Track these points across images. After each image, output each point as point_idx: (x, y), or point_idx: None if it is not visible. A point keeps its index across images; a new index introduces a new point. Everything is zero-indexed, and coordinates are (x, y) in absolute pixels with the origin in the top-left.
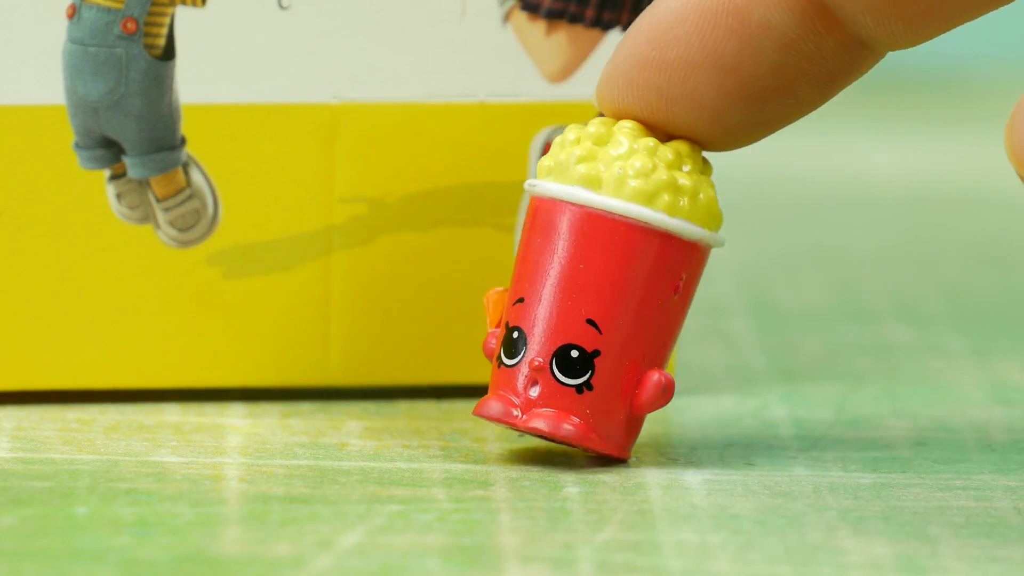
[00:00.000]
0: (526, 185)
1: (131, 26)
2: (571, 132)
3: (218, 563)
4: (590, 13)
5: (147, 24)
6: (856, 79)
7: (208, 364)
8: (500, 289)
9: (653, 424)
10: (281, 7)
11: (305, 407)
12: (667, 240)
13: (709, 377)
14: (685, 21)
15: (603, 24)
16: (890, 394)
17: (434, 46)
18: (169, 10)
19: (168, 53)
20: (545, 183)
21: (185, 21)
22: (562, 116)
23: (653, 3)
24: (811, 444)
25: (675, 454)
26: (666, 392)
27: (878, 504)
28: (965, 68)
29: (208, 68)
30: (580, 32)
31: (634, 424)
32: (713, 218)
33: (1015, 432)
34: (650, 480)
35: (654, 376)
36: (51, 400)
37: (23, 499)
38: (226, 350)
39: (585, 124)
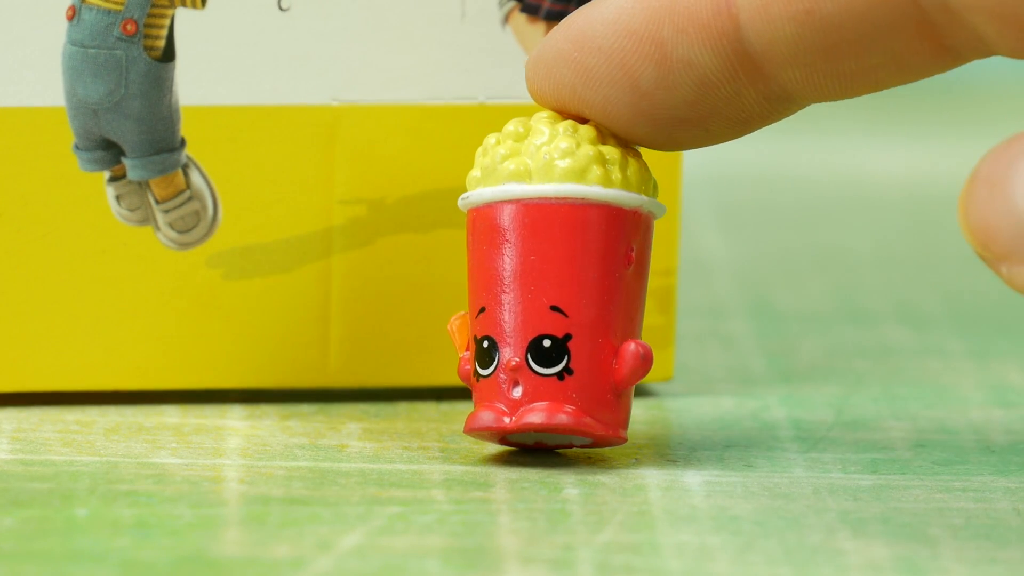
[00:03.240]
0: (459, 201)
1: (131, 28)
2: (491, 137)
3: (218, 565)
4: None
5: (147, 26)
6: (772, 122)
7: (208, 366)
8: (462, 314)
9: (653, 426)
10: (281, 9)
11: (305, 409)
12: (608, 212)
13: (709, 379)
14: (611, 35)
15: None
16: (889, 396)
17: (434, 48)
18: (169, 12)
19: (168, 55)
20: (477, 191)
21: (185, 23)
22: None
23: (590, 3)
24: (811, 446)
25: (675, 455)
26: (645, 360)
27: (877, 506)
28: (964, 69)
29: (208, 70)
30: None
31: (623, 401)
32: (646, 183)
33: (1014, 434)
34: (650, 482)
35: (630, 347)
36: (51, 402)
37: (23, 501)
38: (226, 352)
39: (503, 127)
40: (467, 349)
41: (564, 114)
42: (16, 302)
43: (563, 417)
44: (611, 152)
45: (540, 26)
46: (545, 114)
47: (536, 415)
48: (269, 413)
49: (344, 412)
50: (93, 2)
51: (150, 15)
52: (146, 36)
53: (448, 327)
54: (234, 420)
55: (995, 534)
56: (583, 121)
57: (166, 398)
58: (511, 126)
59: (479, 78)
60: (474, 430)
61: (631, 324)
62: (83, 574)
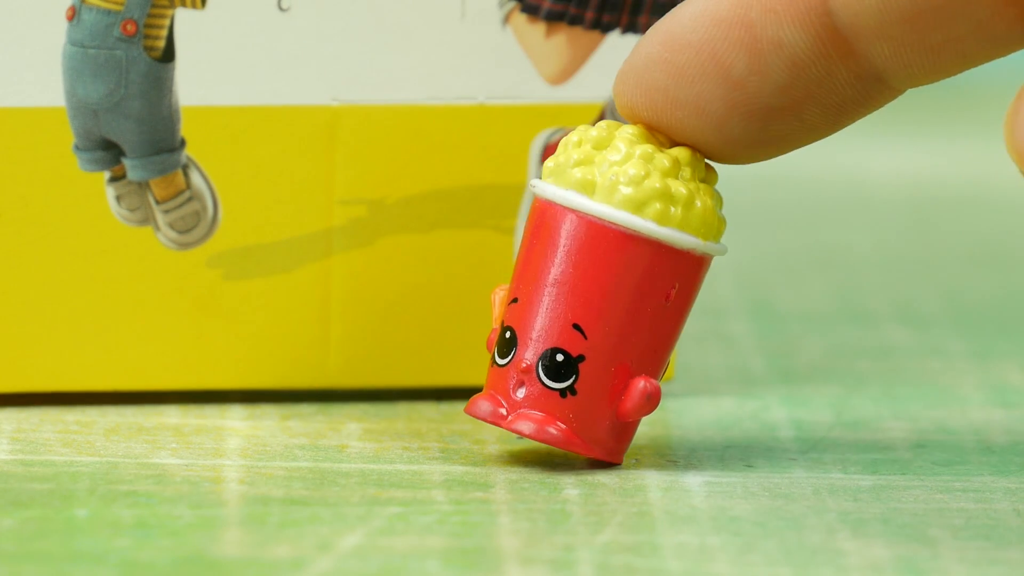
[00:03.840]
0: (530, 184)
1: (131, 28)
2: (575, 134)
3: (218, 565)
4: (590, 15)
5: (147, 26)
6: (868, 112)
7: (208, 366)
8: (506, 286)
9: (653, 426)
10: (281, 9)
11: (305, 409)
12: (656, 249)
13: (709, 379)
14: (699, 28)
15: (603, 26)
16: (890, 396)
17: (434, 48)
18: (169, 12)
19: (168, 55)
20: (545, 184)
21: (185, 23)
22: (562, 118)
23: (675, 7)
24: (811, 446)
25: (675, 456)
26: (650, 400)
27: (878, 506)
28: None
29: (208, 70)
30: (580, 34)
31: (623, 430)
32: (708, 227)
33: (1014, 434)
34: (650, 482)
35: (639, 383)
36: (51, 402)
37: (23, 501)
38: (226, 352)
39: (591, 126)
40: (499, 324)
41: (655, 126)
42: (16, 302)
43: (552, 432)
44: (679, 187)
45: (540, 26)
46: (631, 130)
47: (526, 425)
48: (269, 413)
49: (344, 412)
50: (93, 2)
51: (150, 15)
52: (146, 36)
53: (491, 296)
54: (234, 420)
55: (995, 535)
56: (668, 143)
57: (166, 398)
58: (595, 130)
59: (479, 78)
60: (472, 415)
61: (652, 359)
62: (83, 575)
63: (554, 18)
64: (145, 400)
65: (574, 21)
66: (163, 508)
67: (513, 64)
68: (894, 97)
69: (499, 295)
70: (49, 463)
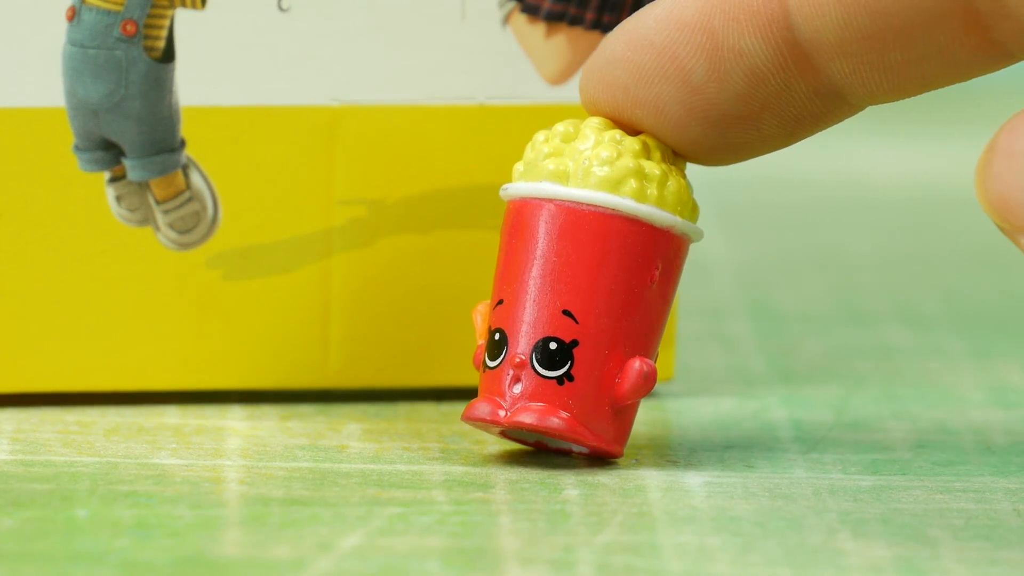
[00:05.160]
0: (500, 192)
1: (131, 28)
2: (540, 134)
3: (218, 565)
4: (590, 15)
5: (147, 26)
6: (827, 127)
7: (208, 366)
8: (487, 302)
9: (653, 426)
10: (281, 9)
11: (305, 409)
12: (637, 226)
13: (709, 379)
14: (662, 30)
15: (603, 27)
16: (890, 396)
17: (434, 48)
18: (169, 12)
19: (168, 55)
20: (516, 184)
21: (185, 23)
22: (562, 118)
23: (642, 8)
24: (811, 446)
25: (675, 456)
26: (647, 380)
27: (878, 506)
28: None
29: (208, 70)
30: (580, 34)
31: (622, 416)
32: (684, 205)
33: (1015, 434)
34: (650, 482)
35: (635, 364)
36: (51, 402)
37: (23, 501)
38: (226, 352)
39: (552, 126)
40: (485, 338)
41: (617, 122)
42: (16, 302)
43: (555, 421)
44: (652, 168)
45: (540, 26)
46: (597, 121)
47: (529, 415)
48: (269, 414)
49: (344, 413)
50: (93, 3)
51: (150, 15)
52: (146, 36)
53: (473, 312)
54: (234, 421)
55: (995, 535)
56: (634, 133)
57: (166, 398)
58: (561, 126)
59: (479, 78)
60: (470, 419)
61: (643, 341)
62: (83, 575)
63: (554, 18)
64: (145, 400)
65: (574, 21)
66: (163, 508)
67: (513, 64)
68: (853, 113)
69: (482, 312)
70: (49, 463)
